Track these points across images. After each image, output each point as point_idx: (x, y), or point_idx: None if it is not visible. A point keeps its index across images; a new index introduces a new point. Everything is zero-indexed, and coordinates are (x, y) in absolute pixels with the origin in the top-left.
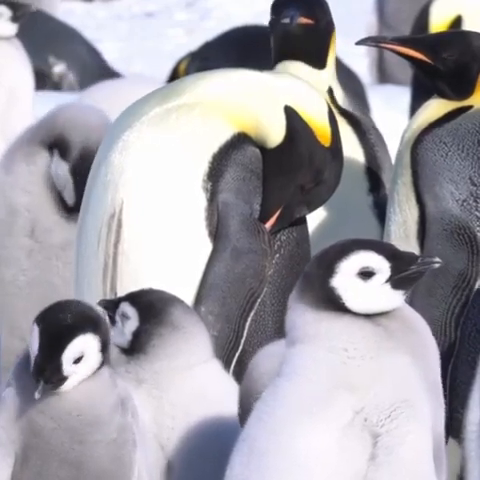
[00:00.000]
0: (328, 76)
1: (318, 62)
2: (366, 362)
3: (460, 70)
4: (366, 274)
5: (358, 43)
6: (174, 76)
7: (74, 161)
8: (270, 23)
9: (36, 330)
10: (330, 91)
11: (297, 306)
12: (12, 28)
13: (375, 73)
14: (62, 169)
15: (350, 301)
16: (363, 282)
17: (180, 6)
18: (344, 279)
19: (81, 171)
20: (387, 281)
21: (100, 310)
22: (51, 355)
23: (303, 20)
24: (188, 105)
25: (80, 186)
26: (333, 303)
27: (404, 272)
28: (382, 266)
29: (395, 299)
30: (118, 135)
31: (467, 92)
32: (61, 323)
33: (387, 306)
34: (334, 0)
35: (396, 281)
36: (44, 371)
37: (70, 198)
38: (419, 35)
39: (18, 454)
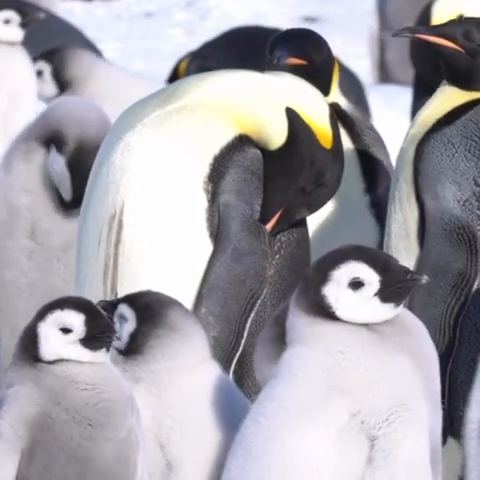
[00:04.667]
0: (330, 98)
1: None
2: (363, 365)
3: None
4: (355, 285)
5: (394, 35)
6: (174, 76)
7: (70, 155)
8: (266, 62)
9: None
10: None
11: (294, 308)
12: (19, 34)
13: (375, 73)
14: (58, 163)
15: (340, 310)
16: (352, 293)
17: (180, 6)
18: (335, 288)
19: (77, 165)
20: (376, 294)
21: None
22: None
23: (293, 60)
24: (189, 107)
25: (77, 180)
26: (324, 310)
27: (392, 286)
28: (372, 279)
29: (385, 312)
30: (119, 136)
31: None
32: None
33: (376, 318)
34: (334, 0)
35: (385, 295)
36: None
37: (67, 193)
38: (446, 24)
39: (24, 450)
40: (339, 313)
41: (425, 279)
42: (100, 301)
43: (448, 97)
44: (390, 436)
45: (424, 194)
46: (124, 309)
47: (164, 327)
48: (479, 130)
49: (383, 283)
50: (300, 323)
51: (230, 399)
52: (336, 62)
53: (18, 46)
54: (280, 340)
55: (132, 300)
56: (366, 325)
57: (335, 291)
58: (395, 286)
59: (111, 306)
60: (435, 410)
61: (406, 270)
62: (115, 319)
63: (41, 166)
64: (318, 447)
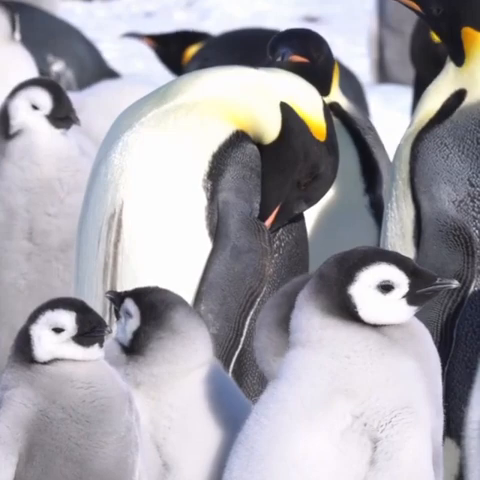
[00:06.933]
0: (330, 98)
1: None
2: (368, 368)
3: (447, 27)
4: (385, 287)
5: None
6: (178, 57)
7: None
8: (266, 63)
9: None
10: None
11: (306, 307)
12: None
13: (375, 73)
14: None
15: (364, 311)
16: (381, 295)
17: (180, 6)
18: (363, 289)
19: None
20: (404, 297)
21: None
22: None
23: (296, 58)
24: (186, 105)
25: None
26: (345, 310)
27: (421, 289)
28: (401, 281)
29: (407, 314)
30: (118, 135)
31: (460, 55)
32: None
33: (398, 320)
34: (334, 0)
35: (412, 297)
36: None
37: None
38: None
39: (22, 453)
40: (362, 313)
41: (455, 284)
42: (110, 291)
43: (438, 89)
44: (393, 438)
45: (420, 195)
46: (129, 304)
47: (166, 329)
48: (468, 132)
49: (412, 286)
50: (309, 324)
51: (229, 399)
52: (336, 63)
53: (19, 45)
54: (282, 325)
55: (138, 296)
56: (379, 329)
57: (361, 292)
58: (425, 289)
59: (119, 298)
60: (437, 413)
61: (434, 275)
62: (121, 313)
63: (39, 164)
64: (321, 448)
